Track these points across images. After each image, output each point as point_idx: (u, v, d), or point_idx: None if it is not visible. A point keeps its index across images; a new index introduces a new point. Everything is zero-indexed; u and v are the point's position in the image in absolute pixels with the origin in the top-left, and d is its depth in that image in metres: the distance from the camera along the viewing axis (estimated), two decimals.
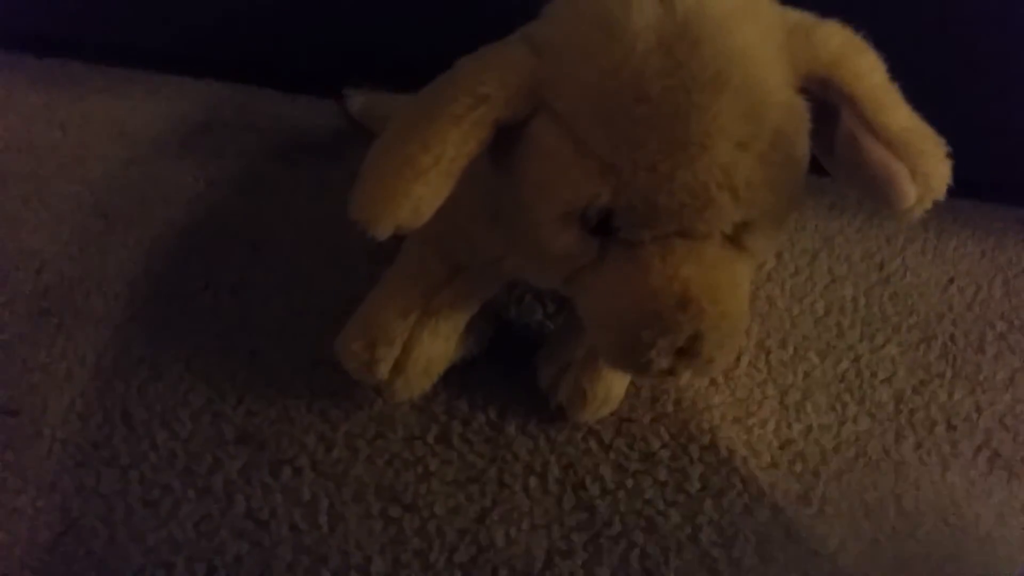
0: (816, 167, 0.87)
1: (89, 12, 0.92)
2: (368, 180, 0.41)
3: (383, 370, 0.57)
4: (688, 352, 0.42)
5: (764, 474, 0.62)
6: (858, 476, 0.62)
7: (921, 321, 0.75)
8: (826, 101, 0.41)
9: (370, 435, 0.61)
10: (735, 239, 0.43)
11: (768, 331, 0.72)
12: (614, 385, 0.61)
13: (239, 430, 0.59)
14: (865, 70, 0.41)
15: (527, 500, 0.59)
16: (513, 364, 0.65)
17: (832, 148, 0.42)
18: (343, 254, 0.73)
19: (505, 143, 0.42)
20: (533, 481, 0.60)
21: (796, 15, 0.43)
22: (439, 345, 0.58)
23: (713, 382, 0.67)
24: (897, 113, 0.40)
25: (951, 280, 0.80)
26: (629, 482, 0.60)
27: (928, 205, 0.41)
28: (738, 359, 0.69)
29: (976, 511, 0.60)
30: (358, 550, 0.54)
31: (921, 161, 0.40)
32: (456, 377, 0.64)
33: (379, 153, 0.42)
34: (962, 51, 0.79)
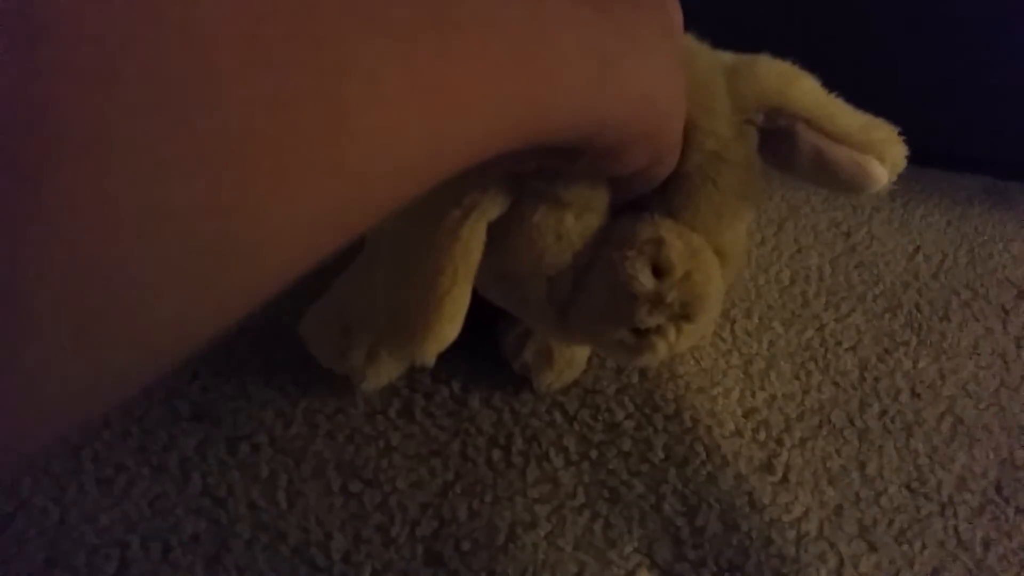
0: None
1: None
2: (401, 321, 0.42)
3: (358, 358, 0.56)
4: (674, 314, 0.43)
5: (727, 443, 0.61)
6: (822, 444, 0.62)
7: (887, 290, 0.76)
8: (770, 128, 0.45)
9: (330, 410, 0.60)
10: None
11: (733, 301, 0.72)
12: (578, 348, 0.61)
13: (195, 407, 0.58)
14: (809, 90, 0.45)
15: (490, 473, 0.58)
16: (476, 336, 0.65)
17: (791, 165, 0.46)
18: None
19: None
20: (496, 454, 0.59)
21: (729, 56, 0.46)
22: None
23: (677, 353, 0.67)
24: (849, 116, 0.44)
25: (917, 249, 0.80)
26: (593, 453, 0.60)
27: (893, 178, 0.44)
28: None
29: (939, 477, 0.60)
30: (318, 526, 0.53)
31: (885, 147, 0.43)
32: None
33: (394, 290, 0.43)
34: (929, 21, 0.79)
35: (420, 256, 0.42)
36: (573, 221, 0.43)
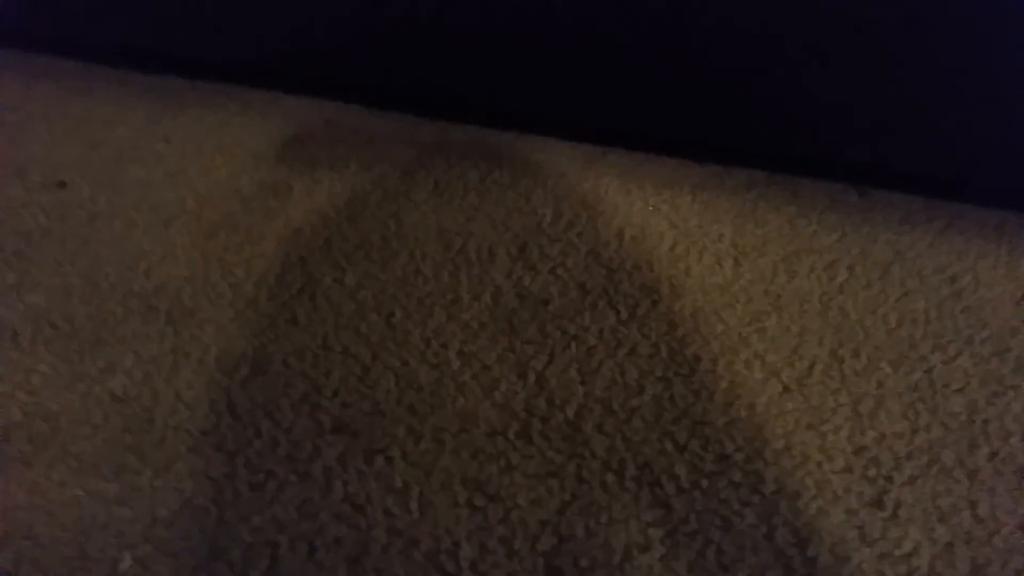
0: (890, 183, 0.88)
1: (190, 31, 0.98)
2: None
3: None
4: None
5: (838, 478, 0.63)
6: (932, 482, 0.63)
7: (994, 335, 0.76)
8: None
9: (455, 429, 0.64)
10: None
11: (841, 341, 0.73)
12: None
13: (335, 420, 0.63)
14: None
15: (605, 495, 0.61)
16: (586, 364, 0.68)
17: None
18: (429, 261, 0.77)
19: None
20: (610, 478, 0.62)
21: None
22: None
23: (786, 389, 0.69)
24: None
25: None
26: (704, 482, 0.62)
27: None
28: (811, 367, 0.71)
29: None
30: (447, 535, 0.57)
31: None
32: (533, 376, 0.67)
33: None
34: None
35: None
36: None
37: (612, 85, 0.91)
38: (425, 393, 0.66)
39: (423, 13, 0.91)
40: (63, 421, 0.62)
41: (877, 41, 0.82)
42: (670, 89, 0.89)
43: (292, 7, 0.94)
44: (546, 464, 0.63)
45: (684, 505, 0.61)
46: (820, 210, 0.88)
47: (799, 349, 0.73)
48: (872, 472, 0.64)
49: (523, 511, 0.60)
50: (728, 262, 0.81)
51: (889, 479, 0.63)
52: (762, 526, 0.60)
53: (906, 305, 0.78)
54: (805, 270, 0.81)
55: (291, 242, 0.79)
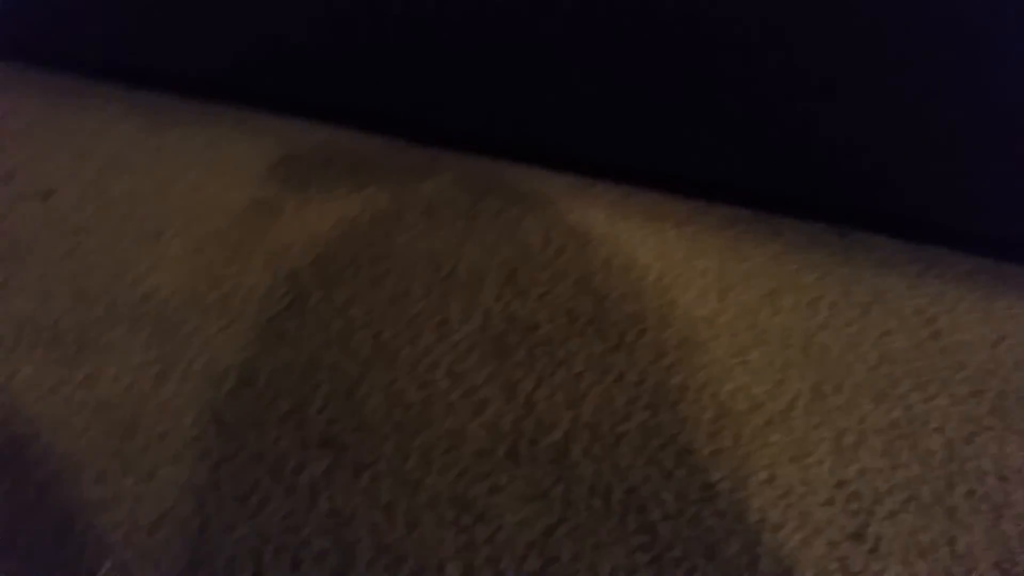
0: (871, 225, 0.90)
1: (182, 47, 0.99)
2: None
3: None
4: None
5: (820, 510, 0.64)
6: (911, 518, 0.64)
7: (971, 376, 0.78)
8: None
9: (443, 448, 0.64)
10: None
11: (823, 377, 0.75)
12: None
13: (322, 435, 0.63)
14: None
15: (591, 519, 0.61)
16: (574, 389, 0.69)
17: None
18: (419, 282, 0.78)
19: None
20: (597, 502, 0.62)
21: None
22: None
23: (770, 421, 0.70)
24: None
25: (1001, 338, 0.82)
26: (690, 509, 0.62)
27: None
28: (794, 401, 0.72)
29: None
30: (434, 553, 0.56)
31: None
32: (522, 399, 0.67)
33: None
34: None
35: None
36: None
37: (601, 117, 0.93)
38: (413, 411, 0.66)
39: (416, 39, 0.92)
40: (44, 424, 0.61)
41: (862, 88, 0.85)
42: (659, 123, 0.91)
43: (287, 28, 0.95)
44: (533, 486, 0.63)
45: (670, 531, 0.61)
46: (802, 249, 0.90)
47: (783, 383, 0.74)
48: (854, 506, 0.64)
49: (510, 531, 0.59)
50: (713, 295, 0.82)
51: (870, 513, 0.64)
52: (746, 555, 0.60)
53: (886, 344, 0.80)
54: (788, 306, 0.82)
55: (281, 258, 0.79)
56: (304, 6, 0.93)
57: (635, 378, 0.72)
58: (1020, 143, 0.83)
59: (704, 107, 0.88)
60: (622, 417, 0.68)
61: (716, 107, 0.88)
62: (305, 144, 0.98)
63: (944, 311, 0.85)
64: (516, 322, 0.76)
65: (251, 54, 0.99)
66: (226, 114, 1.01)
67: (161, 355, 0.68)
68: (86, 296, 0.73)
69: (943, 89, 0.81)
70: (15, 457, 0.59)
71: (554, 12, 0.85)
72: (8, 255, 0.77)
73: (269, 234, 0.83)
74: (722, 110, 0.88)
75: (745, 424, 0.69)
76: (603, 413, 0.68)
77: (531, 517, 0.60)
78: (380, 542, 0.57)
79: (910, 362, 0.78)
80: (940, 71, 0.79)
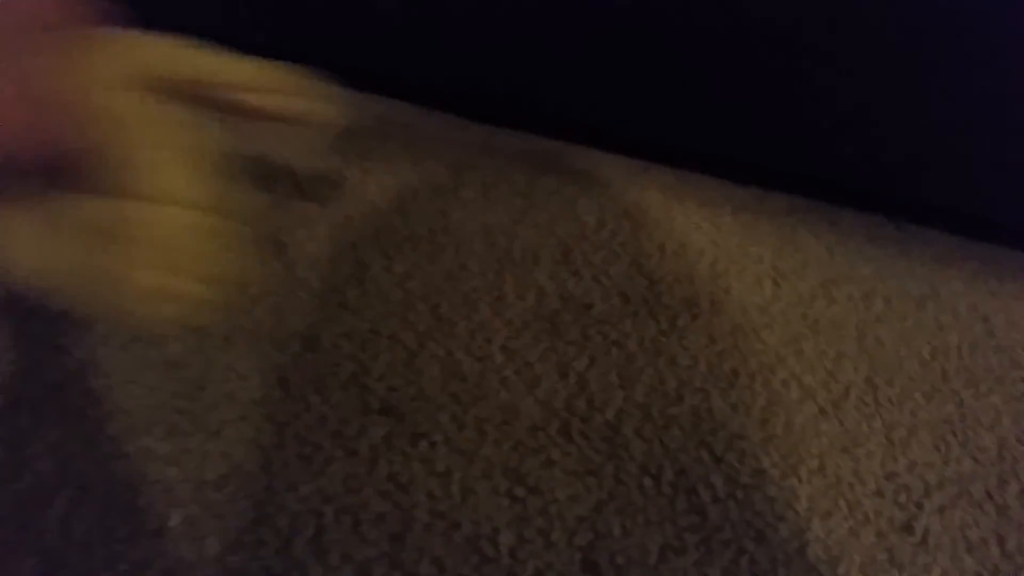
0: (928, 219, 0.89)
1: (238, 15, 1.00)
2: None
3: None
4: None
5: (869, 501, 0.64)
6: (960, 513, 0.64)
7: None
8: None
9: (497, 420, 0.65)
10: None
11: (876, 369, 0.75)
12: None
13: (382, 402, 0.64)
14: (200, 58, 0.44)
15: (641, 497, 0.62)
16: (627, 370, 0.70)
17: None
18: (475, 258, 0.79)
19: None
20: (647, 481, 0.63)
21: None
22: None
23: (822, 411, 0.70)
24: (242, 67, 0.44)
25: None
26: (740, 493, 0.63)
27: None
28: (847, 392, 0.72)
29: None
30: (487, 521, 0.58)
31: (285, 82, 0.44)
32: (575, 377, 0.68)
33: None
34: None
35: None
36: None
37: (661, 100, 0.93)
38: (469, 384, 0.67)
39: (480, 17, 0.93)
40: (117, 379, 0.63)
41: (926, 81, 0.84)
42: (718, 108, 0.91)
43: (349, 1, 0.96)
44: (585, 462, 0.64)
45: (719, 514, 0.62)
46: (859, 240, 0.89)
47: (835, 373, 0.74)
48: (903, 498, 0.65)
49: (561, 505, 0.61)
50: (767, 283, 0.82)
51: (919, 506, 0.64)
52: (795, 541, 0.61)
53: (940, 339, 0.80)
54: (843, 297, 0.82)
55: (342, 229, 0.81)
56: None
57: (687, 362, 0.73)
58: None
59: (764, 94, 0.88)
60: (674, 400, 0.69)
61: (775, 94, 0.87)
62: (364, 117, 0.99)
63: (999, 309, 0.85)
64: (570, 301, 0.77)
65: (309, 24, 1.00)
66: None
67: (227, 318, 0.70)
68: None
69: (1012, 88, 0.80)
70: (90, 409, 0.61)
71: None
72: None
73: (331, 205, 0.84)
74: (781, 97, 0.88)
75: (797, 413, 0.70)
76: (655, 395, 0.69)
77: (582, 493, 0.62)
78: (436, 508, 0.58)
79: (963, 358, 0.78)
80: (1013, 70, 0.78)
